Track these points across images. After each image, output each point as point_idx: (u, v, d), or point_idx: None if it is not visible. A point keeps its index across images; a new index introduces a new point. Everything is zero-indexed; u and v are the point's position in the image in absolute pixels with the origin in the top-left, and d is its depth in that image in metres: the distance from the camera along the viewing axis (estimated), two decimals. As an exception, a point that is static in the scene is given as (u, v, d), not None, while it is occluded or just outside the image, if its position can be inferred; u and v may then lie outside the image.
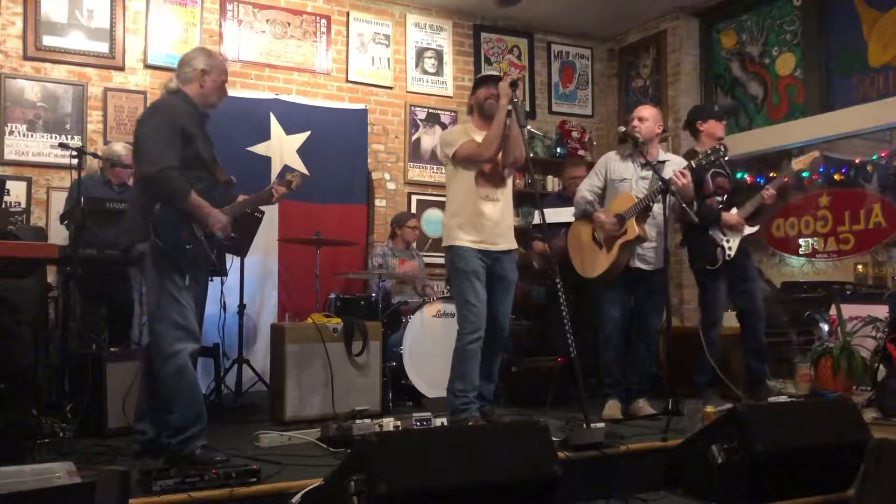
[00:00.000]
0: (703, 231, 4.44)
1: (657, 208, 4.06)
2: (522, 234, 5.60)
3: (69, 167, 4.44)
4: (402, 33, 6.67)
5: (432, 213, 6.57)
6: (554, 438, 2.96)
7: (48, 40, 5.42)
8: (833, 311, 5.05)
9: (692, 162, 4.09)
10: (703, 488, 3.15)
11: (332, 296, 5.06)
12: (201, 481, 2.62)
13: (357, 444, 2.64)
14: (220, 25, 5.97)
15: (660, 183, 3.93)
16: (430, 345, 4.72)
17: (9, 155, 5.27)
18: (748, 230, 4.46)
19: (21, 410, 3.00)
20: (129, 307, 4.64)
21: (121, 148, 4.80)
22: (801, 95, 6.05)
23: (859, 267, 6.11)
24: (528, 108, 7.02)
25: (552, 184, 6.86)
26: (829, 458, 3.12)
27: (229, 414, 4.41)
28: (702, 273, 4.57)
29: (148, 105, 4.83)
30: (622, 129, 4.24)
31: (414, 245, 5.99)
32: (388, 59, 6.58)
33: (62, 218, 4.79)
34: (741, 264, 4.49)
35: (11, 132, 5.29)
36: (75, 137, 5.39)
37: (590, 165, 5.77)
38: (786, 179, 4.48)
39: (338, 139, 6.18)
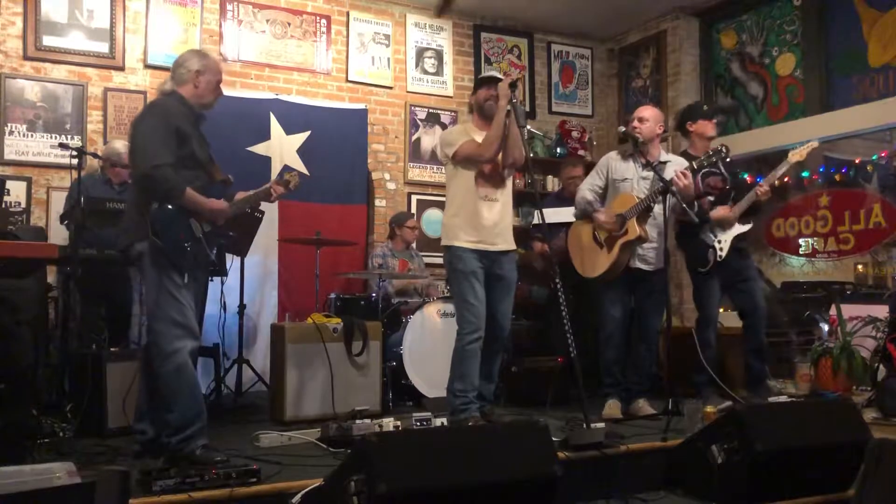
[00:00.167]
0: (694, 232, 4.44)
1: (658, 209, 4.05)
2: (522, 234, 5.61)
3: (69, 167, 4.44)
4: (402, 33, 6.67)
5: (432, 213, 6.57)
6: (554, 438, 2.96)
7: (48, 40, 5.42)
8: (833, 311, 5.05)
9: (693, 163, 4.09)
10: (703, 488, 3.15)
11: (332, 296, 5.07)
12: (201, 481, 2.62)
13: (357, 444, 2.64)
14: (220, 25, 5.97)
15: (660, 183, 3.93)
16: (430, 345, 4.73)
17: (9, 155, 5.27)
18: (740, 228, 4.42)
19: (21, 410, 3.00)
20: (129, 307, 4.64)
21: (121, 146, 4.79)
22: (801, 95, 6.05)
23: (859, 267, 6.11)
24: (528, 108, 7.03)
25: (552, 184, 6.86)
26: (829, 458, 3.12)
27: (229, 414, 4.41)
28: (695, 273, 4.57)
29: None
30: (622, 129, 4.23)
31: (414, 245, 5.99)
32: (388, 59, 6.58)
33: (62, 218, 4.79)
34: (739, 265, 4.49)
35: (11, 132, 5.29)
36: (75, 137, 5.39)
37: (587, 165, 5.79)
38: (779, 176, 4.45)
39: (338, 139, 6.18)
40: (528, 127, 3.86)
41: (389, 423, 3.43)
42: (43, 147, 5.36)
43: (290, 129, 6.03)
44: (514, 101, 3.69)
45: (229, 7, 6.00)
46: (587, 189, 4.35)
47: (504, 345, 4.10)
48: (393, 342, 4.81)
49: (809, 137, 5.20)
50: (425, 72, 6.75)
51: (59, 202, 5.14)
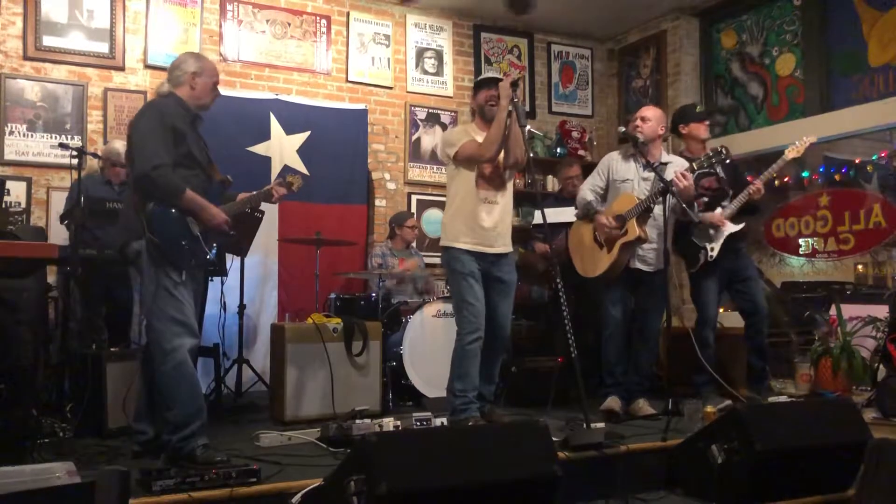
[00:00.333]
0: (685, 233, 4.43)
1: (658, 210, 4.05)
2: (523, 233, 5.61)
3: (69, 167, 4.45)
4: (402, 33, 6.67)
5: (432, 213, 6.57)
6: (554, 438, 2.96)
7: (48, 40, 5.41)
8: (833, 311, 5.05)
9: (693, 164, 4.09)
10: (703, 488, 3.15)
11: (332, 296, 5.07)
12: (201, 481, 2.62)
13: (357, 444, 2.64)
14: (220, 25, 5.96)
15: (661, 184, 3.93)
16: (430, 345, 4.72)
17: (9, 155, 5.27)
18: (732, 228, 4.39)
19: (21, 410, 3.00)
20: (129, 307, 4.63)
21: (121, 146, 4.77)
22: (801, 95, 6.05)
23: (859, 267, 6.10)
24: (528, 108, 7.03)
25: (552, 184, 6.86)
26: (829, 458, 3.12)
27: (229, 414, 4.41)
28: (690, 273, 4.57)
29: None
30: (622, 129, 4.23)
31: (413, 245, 5.99)
32: (388, 59, 6.58)
33: (62, 218, 4.80)
34: (737, 264, 4.49)
35: (11, 132, 5.29)
36: (75, 137, 5.39)
37: (584, 165, 5.79)
38: (774, 172, 4.44)
39: (338, 139, 6.18)
40: (529, 127, 3.85)
41: (389, 423, 3.43)
42: (43, 147, 5.35)
43: (290, 130, 6.03)
44: (516, 100, 3.68)
45: (229, 7, 6.00)
46: (588, 189, 4.35)
47: (505, 346, 4.10)
48: (393, 342, 4.81)
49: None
50: (425, 72, 6.75)
51: (59, 202, 5.14)
